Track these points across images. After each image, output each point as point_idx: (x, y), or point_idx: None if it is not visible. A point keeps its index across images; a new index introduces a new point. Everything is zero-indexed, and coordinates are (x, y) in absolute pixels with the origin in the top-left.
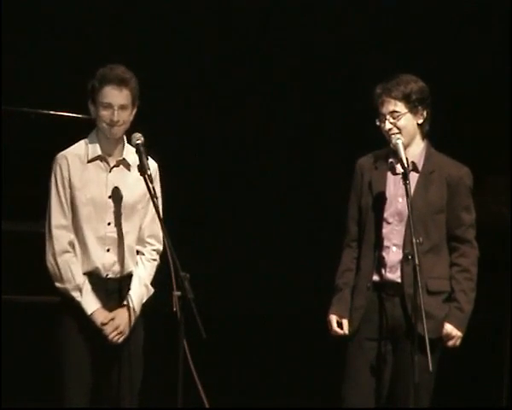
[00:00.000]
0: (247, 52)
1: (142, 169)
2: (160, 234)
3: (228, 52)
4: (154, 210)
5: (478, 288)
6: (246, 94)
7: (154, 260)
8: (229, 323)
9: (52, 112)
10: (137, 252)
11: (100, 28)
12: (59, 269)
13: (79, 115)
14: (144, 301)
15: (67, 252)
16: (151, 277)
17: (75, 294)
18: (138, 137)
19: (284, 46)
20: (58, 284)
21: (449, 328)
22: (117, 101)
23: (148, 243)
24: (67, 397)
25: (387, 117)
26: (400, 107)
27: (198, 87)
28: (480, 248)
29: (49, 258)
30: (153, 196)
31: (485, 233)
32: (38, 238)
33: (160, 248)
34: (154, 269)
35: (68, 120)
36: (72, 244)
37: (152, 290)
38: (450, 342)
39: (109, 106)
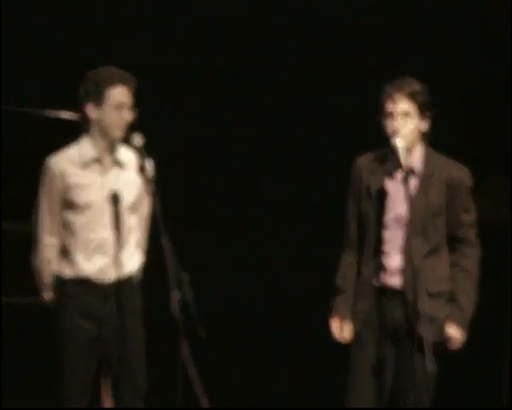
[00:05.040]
0: (247, 53)
1: (143, 171)
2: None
3: (227, 53)
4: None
5: (478, 288)
6: (245, 94)
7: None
8: (229, 323)
9: (52, 112)
10: None
11: (102, 28)
12: (41, 275)
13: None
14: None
15: (50, 260)
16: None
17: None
18: (140, 139)
19: (284, 45)
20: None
21: (451, 329)
22: (129, 100)
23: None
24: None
25: (398, 117)
26: (413, 110)
27: (192, 87)
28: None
29: (36, 263)
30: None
31: (485, 233)
32: None
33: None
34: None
35: (69, 120)
36: (56, 252)
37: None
38: (453, 344)
39: (122, 106)
